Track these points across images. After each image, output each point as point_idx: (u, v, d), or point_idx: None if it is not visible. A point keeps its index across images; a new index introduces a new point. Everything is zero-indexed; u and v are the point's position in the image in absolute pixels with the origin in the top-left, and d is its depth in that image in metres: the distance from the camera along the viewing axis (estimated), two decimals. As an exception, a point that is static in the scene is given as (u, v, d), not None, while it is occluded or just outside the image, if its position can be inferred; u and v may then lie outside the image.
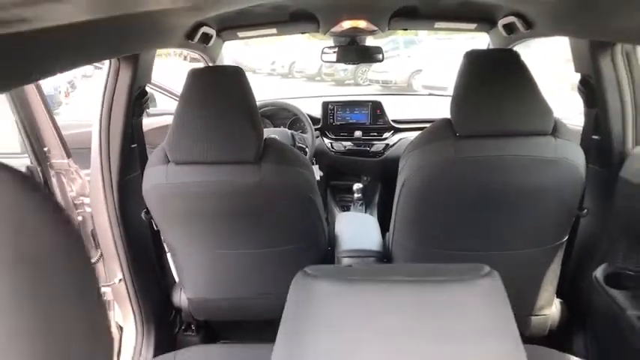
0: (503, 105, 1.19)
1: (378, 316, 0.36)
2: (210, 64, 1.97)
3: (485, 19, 1.76)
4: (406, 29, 2.02)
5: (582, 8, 1.07)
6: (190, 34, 1.52)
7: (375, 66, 10.67)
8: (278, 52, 13.62)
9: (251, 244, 1.38)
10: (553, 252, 1.40)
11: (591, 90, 1.37)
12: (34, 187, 0.40)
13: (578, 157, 1.23)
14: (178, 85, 2.57)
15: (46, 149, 1.47)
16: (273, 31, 1.92)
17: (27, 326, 0.37)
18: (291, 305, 0.41)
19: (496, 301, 0.38)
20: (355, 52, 2.14)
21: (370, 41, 2.21)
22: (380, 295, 0.37)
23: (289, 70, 13.47)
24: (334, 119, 2.60)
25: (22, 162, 1.50)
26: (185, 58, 11.88)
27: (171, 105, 2.60)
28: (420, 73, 10.32)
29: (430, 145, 1.27)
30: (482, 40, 2.04)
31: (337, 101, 2.63)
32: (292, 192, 1.28)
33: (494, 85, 1.20)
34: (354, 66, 11.24)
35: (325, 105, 2.60)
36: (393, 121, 2.56)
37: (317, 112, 2.60)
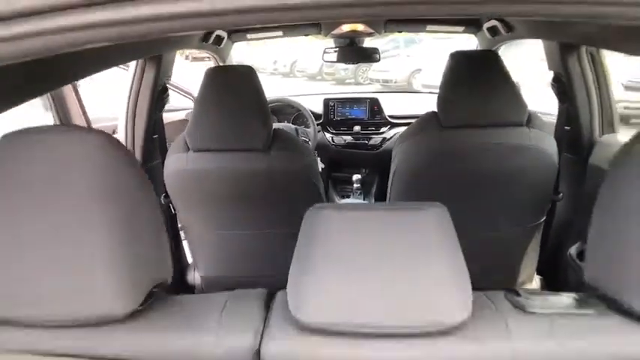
0: (482, 99, 1.35)
1: (365, 232, 0.54)
2: (221, 64, 2.14)
3: (471, 23, 1.92)
4: (400, 32, 2.18)
5: None
6: (205, 37, 1.70)
7: (376, 65, 10.70)
8: (279, 51, 13.68)
9: (259, 226, 1.53)
10: (532, 232, 1.56)
11: (562, 86, 1.54)
12: (127, 151, 0.58)
13: (549, 145, 1.39)
14: (183, 81, 2.73)
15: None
16: (279, 33, 2.08)
17: (126, 246, 0.55)
18: (302, 230, 0.59)
19: (442, 221, 0.55)
20: (354, 52, 2.31)
21: (370, 41, 2.38)
22: (366, 218, 0.55)
23: (290, 70, 13.51)
24: (335, 115, 2.76)
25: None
26: (187, 58, 12.00)
27: (179, 101, 2.76)
28: (420, 72, 10.40)
29: (419, 135, 1.44)
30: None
31: (337, 98, 2.79)
32: (297, 177, 1.43)
33: (475, 82, 1.36)
34: (355, 65, 11.32)
35: (326, 101, 2.76)
36: (390, 116, 2.71)
37: (319, 109, 2.76)
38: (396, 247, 0.53)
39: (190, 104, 2.65)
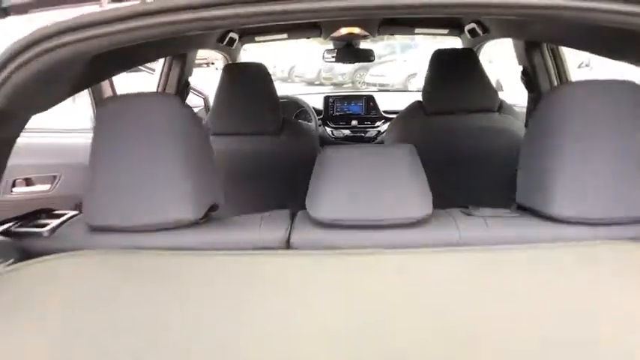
0: (460, 90, 1.60)
1: (359, 161, 0.78)
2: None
3: (454, 26, 2.19)
4: (392, 34, 2.45)
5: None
6: (221, 38, 1.95)
7: (373, 70, 10.98)
8: (278, 56, 13.87)
9: (271, 203, 1.76)
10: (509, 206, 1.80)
11: (529, 78, 1.79)
12: (191, 110, 0.83)
13: (517, 128, 1.63)
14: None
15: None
16: (284, 36, 2.33)
17: (193, 182, 0.79)
18: (316, 164, 0.84)
19: (410, 154, 0.81)
20: (351, 53, 2.59)
21: (367, 45, 2.65)
22: (359, 153, 0.79)
23: (289, 75, 13.70)
24: (334, 111, 3.03)
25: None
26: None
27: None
28: (415, 76, 10.64)
29: (406, 121, 1.69)
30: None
31: (336, 96, 3.08)
32: (304, 157, 1.66)
33: (453, 75, 1.61)
34: (352, 70, 11.58)
35: (326, 99, 3.04)
36: (384, 111, 2.98)
37: (319, 105, 3.03)
38: (379, 169, 0.78)
39: (198, 103, 2.90)
